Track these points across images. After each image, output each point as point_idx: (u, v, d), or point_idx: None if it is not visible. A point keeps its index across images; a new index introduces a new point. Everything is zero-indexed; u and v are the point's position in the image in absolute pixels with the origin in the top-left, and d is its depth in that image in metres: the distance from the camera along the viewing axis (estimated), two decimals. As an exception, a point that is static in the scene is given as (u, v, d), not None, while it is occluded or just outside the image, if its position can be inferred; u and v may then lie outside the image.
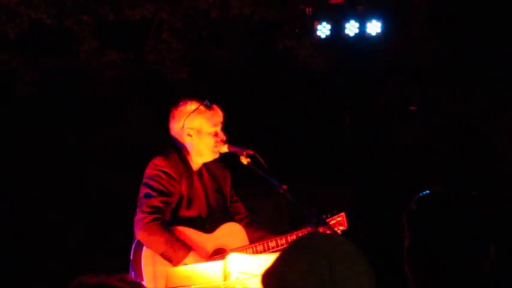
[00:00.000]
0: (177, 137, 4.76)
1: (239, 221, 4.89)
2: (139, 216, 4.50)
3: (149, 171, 4.64)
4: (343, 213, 4.87)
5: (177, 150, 4.73)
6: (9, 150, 8.22)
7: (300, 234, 4.65)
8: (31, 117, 8.39)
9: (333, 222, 4.80)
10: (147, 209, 4.50)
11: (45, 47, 8.41)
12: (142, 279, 4.43)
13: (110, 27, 8.34)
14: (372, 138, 9.21)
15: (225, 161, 4.92)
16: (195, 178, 4.75)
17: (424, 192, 2.32)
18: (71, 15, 8.05)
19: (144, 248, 4.50)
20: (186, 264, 4.41)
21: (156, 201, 4.52)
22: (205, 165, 4.85)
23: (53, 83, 8.52)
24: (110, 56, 8.41)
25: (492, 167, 8.57)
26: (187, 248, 4.45)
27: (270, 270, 2.05)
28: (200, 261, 4.41)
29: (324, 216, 4.72)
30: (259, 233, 4.86)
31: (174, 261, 4.41)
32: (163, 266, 4.42)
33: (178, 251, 4.41)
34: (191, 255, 4.43)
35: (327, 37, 8.57)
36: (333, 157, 8.89)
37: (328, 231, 4.73)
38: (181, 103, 4.79)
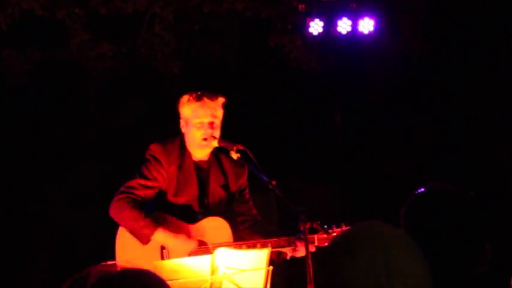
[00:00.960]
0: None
1: (241, 223, 4.88)
2: (116, 194, 4.58)
3: (145, 155, 4.74)
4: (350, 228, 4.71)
5: (182, 139, 4.79)
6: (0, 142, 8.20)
7: (286, 239, 4.65)
8: (21, 109, 8.35)
9: (334, 234, 4.71)
10: (123, 189, 4.62)
11: (36, 38, 8.37)
12: (114, 259, 4.51)
13: (102, 19, 8.31)
14: (363, 136, 9.20)
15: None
16: (192, 168, 4.76)
17: (420, 190, 2.31)
18: (62, 6, 8.01)
19: (120, 228, 4.57)
20: (155, 241, 4.46)
21: (134, 183, 4.64)
22: (218, 159, 4.85)
23: (44, 75, 8.48)
24: (102, 48, 8.38)
25: (486, 167, 8.57)
26: (154, 225, 4.49)
27: (328, 255, 1.96)
28: (169, 236, 4.47)
29: (326, 227, 4.67)
30: (255, 237, 4.83)
31: (142, 239, 4.47)
32: (142, 250, 4.46)
33: (144, 228, 4.47)
34: (159, 232, 4.48)
35: (320, 34, 8.56)
36: (323, 154, 8.88)
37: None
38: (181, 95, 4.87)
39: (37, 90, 8.41)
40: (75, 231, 8.06)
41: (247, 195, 4.97)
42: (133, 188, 4.60)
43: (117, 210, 4.54)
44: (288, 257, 4.67)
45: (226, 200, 4.86)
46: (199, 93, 4.75)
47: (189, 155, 4.77)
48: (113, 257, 4.58)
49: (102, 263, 4.59)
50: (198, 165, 4.81)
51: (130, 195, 4.57)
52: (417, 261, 1.91)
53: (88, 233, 7.84)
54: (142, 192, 4.62)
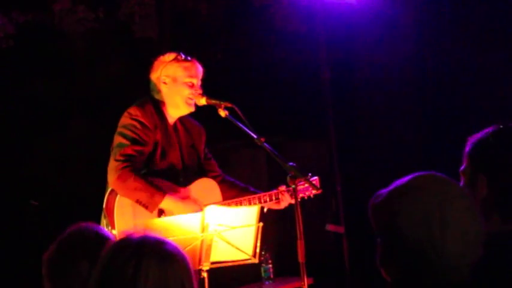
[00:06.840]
0: (155, 87, 4.78)
1: (213, 179, 4.90)
2: (112, 164, 4.54)
3: (124, 120, 4.66)
4: (316, 178, 4.86)
5: (154, 102, 4.75)
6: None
7: (273, 194, 4.76)
8: (4, 72, 8.30)
9: (305, 185, 4.82)
10: (120, 158, 4.53)
11: (19, 1, 8.30)
12: (113, 228, 4.47)
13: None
14: (353, 93, 9.16)
15: (202, 114, 4.92)
16: (171, 131, 4.77)
17: (498, 127, 2.35)
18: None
19: (118, 197, 4.51)
20: (162, 208, 4.47)
21: (129, 150, 4.56)
22: (180, 120, 4.86)
23: (28, 38, 8.42)
24: (79, 14, 8.33)
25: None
26: (161, 191, 4.50)
27: (383, 203, 2.05)
28: (177, 202, 4.50)
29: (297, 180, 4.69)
30: (232, 191, 4.89)
31: (149, 207, 4.47)
32: (141, 218, 4.44)
33: (153, 196, 4.47)
34: (167, 199, 4.50)
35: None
36: (312, 111, 8.84)
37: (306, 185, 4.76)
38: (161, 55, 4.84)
39: (20, 52, 8.35)
40: (64, 192, 8.05)
41: (209, 153, 5.03)
42: (130, 155, 4.54)
43: (121, 180, 4.47)
44: (265, 211, 4.67)
45: (197, 160, 4.89)
46: (188, 57, 4.78)
47: (166, 117, 4.76)
48: (97, 220, 4.56)
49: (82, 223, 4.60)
50: (173, 127, 4.82)
51: (131, 164, 4.52)
52: (472, 219, 2.00)
53: (76, 194, 7.83)
54: (140, 159, 4.59)
